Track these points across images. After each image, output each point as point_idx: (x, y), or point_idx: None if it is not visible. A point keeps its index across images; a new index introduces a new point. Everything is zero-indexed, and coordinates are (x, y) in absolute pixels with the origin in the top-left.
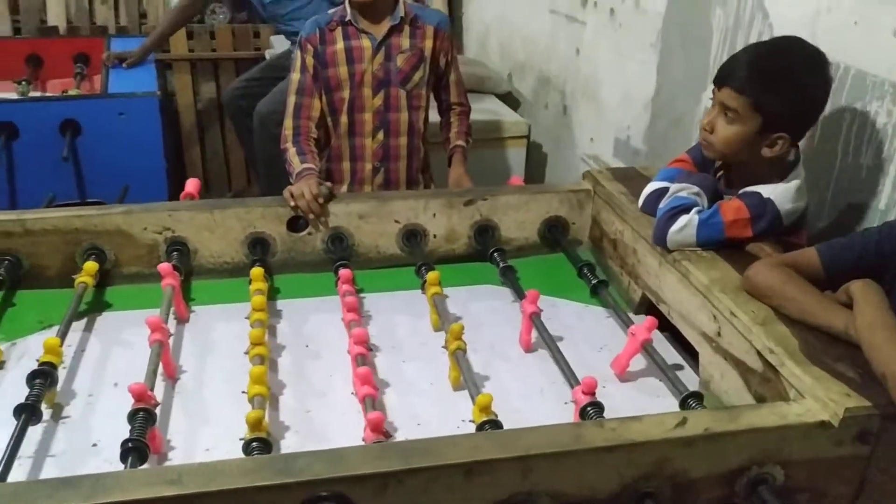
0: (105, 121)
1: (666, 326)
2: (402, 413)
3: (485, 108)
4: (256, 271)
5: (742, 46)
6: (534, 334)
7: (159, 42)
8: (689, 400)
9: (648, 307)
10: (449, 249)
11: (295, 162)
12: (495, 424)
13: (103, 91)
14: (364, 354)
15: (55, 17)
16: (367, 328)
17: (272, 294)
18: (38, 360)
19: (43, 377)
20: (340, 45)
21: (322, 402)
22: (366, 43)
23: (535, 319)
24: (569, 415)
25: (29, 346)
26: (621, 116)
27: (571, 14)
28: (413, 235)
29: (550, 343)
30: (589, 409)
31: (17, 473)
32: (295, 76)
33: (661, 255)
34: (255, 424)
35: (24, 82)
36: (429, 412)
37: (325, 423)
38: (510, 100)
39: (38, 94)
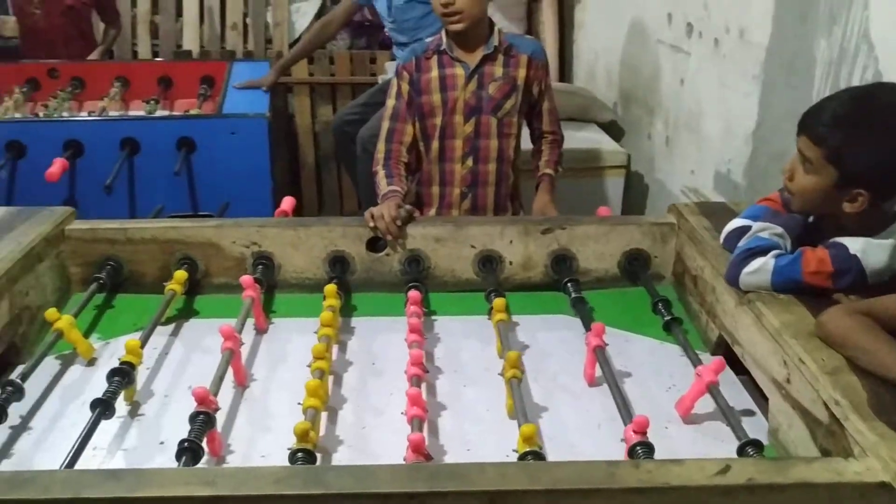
0: (217, 139)
1: (746, 369)
2: (455, 438)
3: (585, 137)
4: (329, 288)
5: (846, 80)
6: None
7: (291, 64)
8: (748, 447)
9: (725, 348)
10: (525, 277)
11: (382, 184)
12: (537, 455)
13: (218, 111)
14: (419, 376)
15: (190, 41)
16: (434, 350)
17: (348, 311)
18: (119, 359)
19: (121, 375)
20: (435, 73)
21: (378, 419)
22: (459, 71)
23: (599, 353)
24: (621, 453)
25: (120, 347)
26: (722, 149)
27: (676, 44)
28: (489, 261)
29: (610, 378)
30: (638, 448)
31: (91, 463)
32: (390, 102)
33: (737, 295)
34: (302, 435)
35: (152, 101)
36: (481, 438)
37: (377, 441)
38: (614, 129)
39: (165, 112)
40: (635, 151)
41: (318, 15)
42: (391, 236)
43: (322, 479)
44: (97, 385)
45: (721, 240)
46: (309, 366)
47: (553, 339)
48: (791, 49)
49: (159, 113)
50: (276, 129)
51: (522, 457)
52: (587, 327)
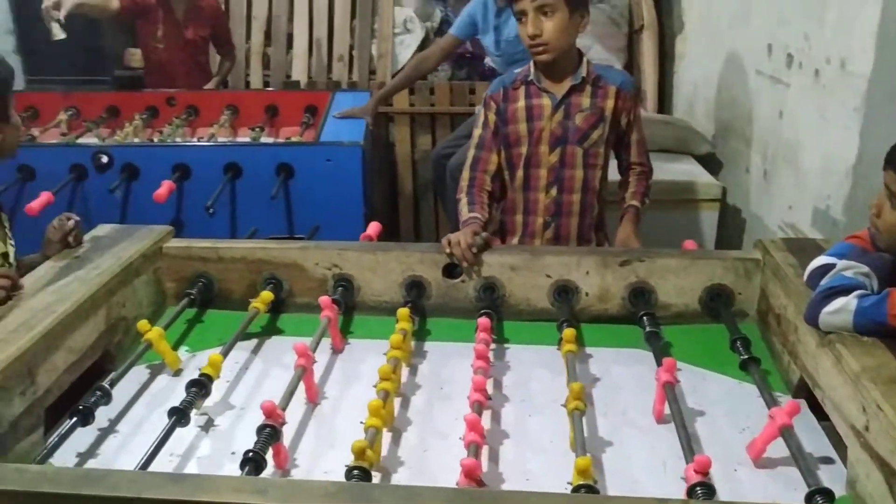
0: (314, 165)
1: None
2: (515, 466)
3: (680, 169)
4: (402, 312)
5: None
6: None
7: (390, 95)
8: (817, 496)
9: (807, 391)
10: (601, 309)
11: (464, 211)
12: (590, 489)
13: (316, 139)
14: (481, 402)
15: (298, 72)
16: (503, 378)
17: (423, 335)
18: (199, 370)
19: (198, 386)
20: (522, 103)
21: (441, 443)
22: (546, 101)
23: (669, 389)
24: (682, 493)
25: (206, 359)
26: (821, 184)
27: (776, 75)
28: (564, 291)
29: (677, 415)
30: (697, 489)
31: (165, 467)
32: (477, 132)
33: (818, 336)
34: (359, 453)
35: (257, 128)
36: (541, 469)
37: (437, 464)
38: (712, 162)
39: (269, 139)
40: (732, 185)
41: (421, 47)
42: (466, 263)
43: (369, 497)
44: (181, 394)
45: (805, 277)
46: (375, 386)
47: (626, 372)
48: (894, 81)
49: (263, 139)
50: (374, 157)
51: (576, 489)
52: (658, 362)
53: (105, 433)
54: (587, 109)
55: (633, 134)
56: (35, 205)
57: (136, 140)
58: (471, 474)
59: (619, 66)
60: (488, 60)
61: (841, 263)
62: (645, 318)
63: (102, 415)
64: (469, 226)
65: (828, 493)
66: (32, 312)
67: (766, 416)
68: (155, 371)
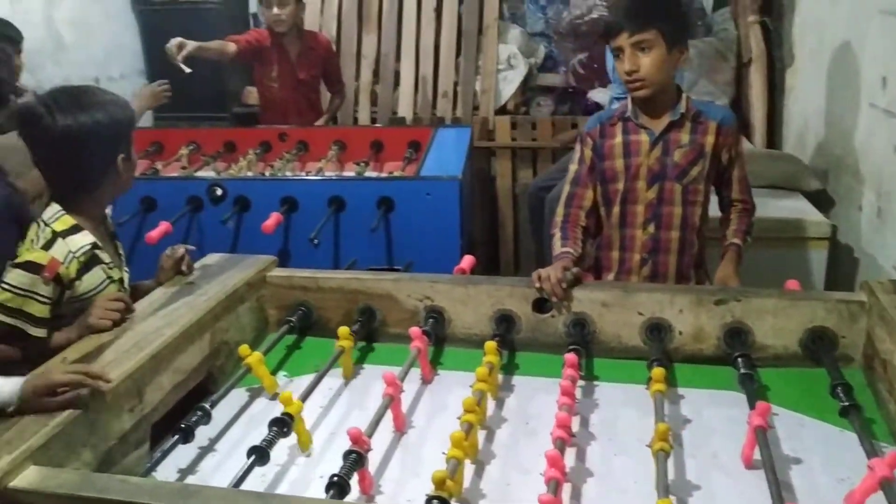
0: (413, 199)
1: None
2: None
3: (787, 206)
4: (489, 345)
5: None
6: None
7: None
8: None
9: None
10: (696, 349)
11: (556, 245)
12: None
13: (416, 173)
14: (564, 439)
15: (404, 108)
16: (591, 416)
17: (511, 369)
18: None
19: (279, 425)
20: (619, 139)
21: (523, 478)
22: (644, 137)
23: (761, 434)
24: None
25: (303, 384)
26: None
27: (890, 108)
28: (657, 329)
29: (768, 461)
30: None
31: (256, 486)
32: (573, 167)
33: None
34: (439, 483)
35: (362, 163)
36: None
37: (518, 499)
38: (822, 198)
39: (373, 173)
40: (843, 223)
41: (524, 82)
42: (556, 298)
43: None
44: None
45: None
46: (459, 418)
47: (718, 415)
48: None
49: (367, 173)
50: (476, 191)
51: None
52: (752, 405)
53: (204, 451)
54: (686, 145)
55: (736, 170)
56: (154, 234)
57: (250, 173)
58: None
59: (726, 100)
60: (592, 95)
61: None
62: (740, 359)
63: (203, 434)
64: (560, 260)
65: None
66: (143, 335)
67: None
68: (254, 394)
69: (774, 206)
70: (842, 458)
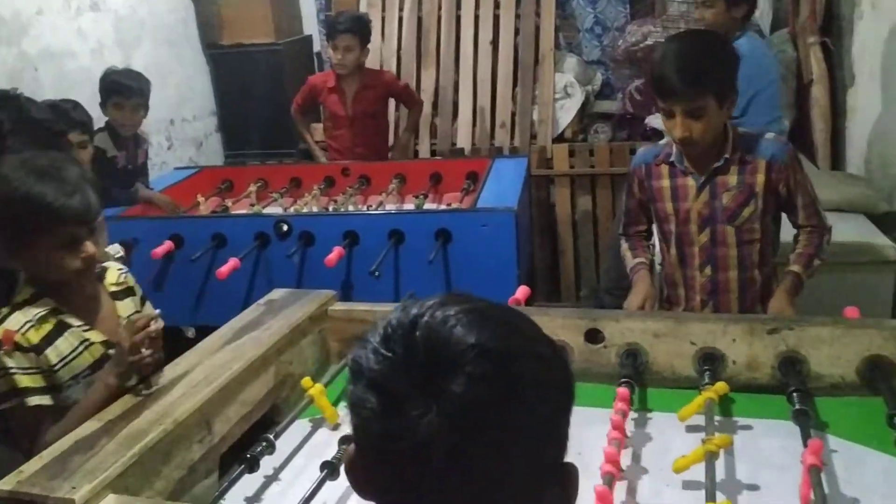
0: (470, 230)
1: None
2: None
3: (850, 229)
4: None
5: None
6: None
7: None
8: None
9: None
10: (750, 378)
11: (628, 257)
12: None
13: (472, 205)
14: (613, 474)
15: (463, 139)
16: (643, 449)
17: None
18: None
19: (348, 442)
20: (666, 182)
21: None
22: (690, 182)
23: (814, 473)
24: None
25: None
26: None
27: None
28: (710, 359)
29: (821, 500)
30: None
31: None
32: (625, 199)
33: None
34: None
35: (421, 195)
36: None
37: None
38: (888, 222)
39: (433, 205)
40: None
41: (581, 110)
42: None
43: None
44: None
45: None
46: None
47: (773, 447)
48: None
49: (427, 205)
50: (532, 219)
51: None
52: (804, 443)
53: (269, 480)
54: (734, 188)
55: (799, 198)
56: (224, 269)
57: (315, 209)
58: None
59: (787, 122)
60: (649, 121)
61: None
62: (795, 394)
63: (268, 463)
64: (636, 273)
65: None
66: (212, 368)
67: None
68: (316, 424)
69: (838, 230)
70: None
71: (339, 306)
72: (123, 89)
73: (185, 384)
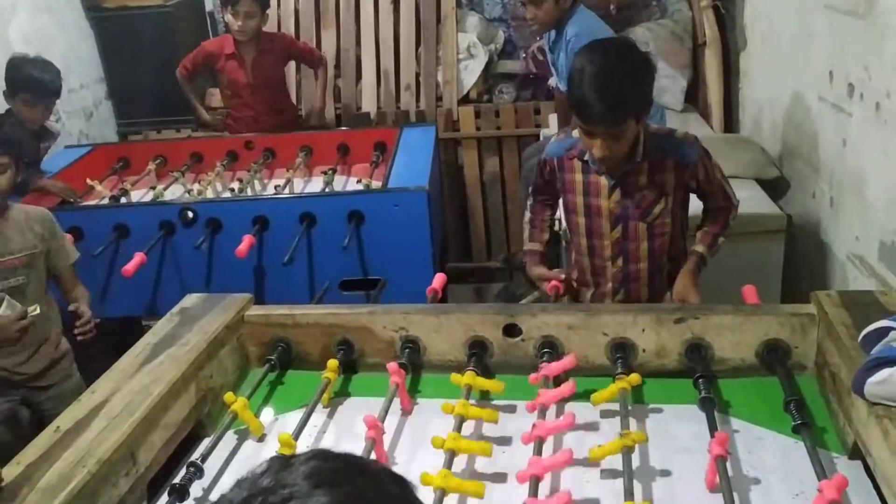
0: (382, 211)
1: None
2: None
3: (742, 199)
4: (454, 377)
5: None
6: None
7: None
8: None
9: (863, 455)
10: (660, 364)
11: (525, 233)
12: None
13: (384, 182)
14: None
15: (368, 102)
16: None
17: (488, 393)
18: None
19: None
20: (579, 176)
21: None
22: (603, 181)
23: (720, 463)
24: None
25: (290, 422)
26: (887, 218)
27: (838, 103)
28: (622, 348)
29: (727, 490)
30: None
31: None
32: (536, 179)
33: (868, 404)
34: None
35: (329, 171)
36: None
37: None
38: (778, 186)
39: (342, 178)
40: (800, 209)
41: (486, 71)
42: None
43: None
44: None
45: (859, 339)
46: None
47: (683, 432)
48: None
49: (336, 180)
50: (443, 184)
51: None
52: (711, 432)
53: (199, 502)
54: (646, 188)
55: (708, 189)
56: (130, 267)
57: (220, 186)
58: None
59: (684, 82)
60: (552, 81)
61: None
62: (700, 380)
63: (196, 486)
64: (530, 257)
65: None
66: (132, 395)
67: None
68: (242, 437)
69: None
70: (797, 473)
71: (257, 311)
72: (39, 89)
73: (105, 416)
